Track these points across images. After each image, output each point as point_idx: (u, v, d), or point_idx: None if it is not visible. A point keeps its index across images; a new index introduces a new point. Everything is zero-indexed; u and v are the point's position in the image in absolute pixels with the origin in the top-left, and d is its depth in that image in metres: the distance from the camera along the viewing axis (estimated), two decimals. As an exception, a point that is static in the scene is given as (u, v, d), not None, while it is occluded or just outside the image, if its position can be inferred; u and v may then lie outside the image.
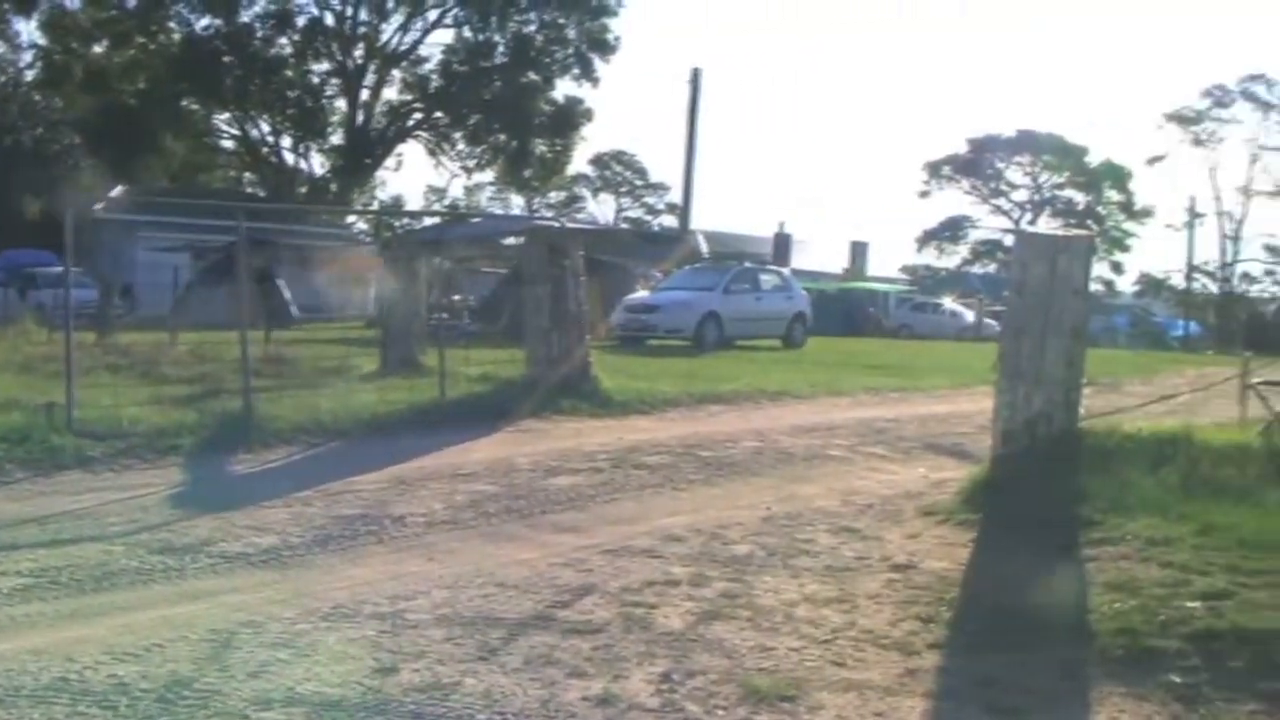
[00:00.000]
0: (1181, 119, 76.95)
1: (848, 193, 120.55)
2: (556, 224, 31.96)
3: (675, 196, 60.03)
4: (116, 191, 44.44)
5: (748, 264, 32.57)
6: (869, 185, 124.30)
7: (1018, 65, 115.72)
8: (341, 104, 57.02)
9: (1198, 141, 76.83)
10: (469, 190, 74.28)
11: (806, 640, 5.49)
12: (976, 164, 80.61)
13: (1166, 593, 5.87)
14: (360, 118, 56.60)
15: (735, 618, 5.79)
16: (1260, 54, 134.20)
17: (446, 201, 71.73)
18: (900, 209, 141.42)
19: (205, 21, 52.01)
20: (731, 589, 6.28)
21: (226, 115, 55.62)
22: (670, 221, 69.98)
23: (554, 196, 78.07)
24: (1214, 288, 76.30)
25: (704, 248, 41.76)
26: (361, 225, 57.15)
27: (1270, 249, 74.74)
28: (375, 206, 62.13)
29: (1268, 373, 10.49)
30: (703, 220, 54.73)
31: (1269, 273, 74.84)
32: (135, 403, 11.65)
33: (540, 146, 58.38)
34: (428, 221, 57.18)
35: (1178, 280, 76.41)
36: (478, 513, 8.19)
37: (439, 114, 57.92)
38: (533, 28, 56.17)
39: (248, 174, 60.43)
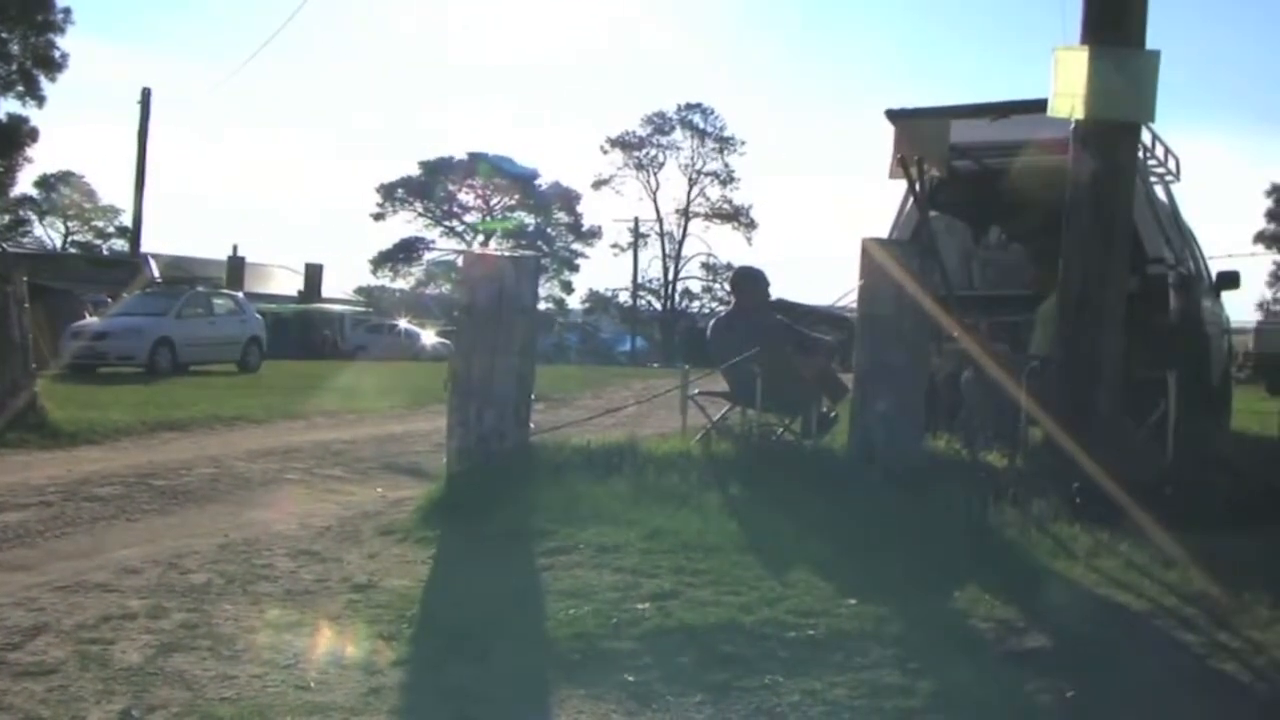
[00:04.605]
0: (625, 144, 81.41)
1: (302, 216, 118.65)
2: (-2, 249, 29.76)
3: (127, 220, 57.33)
4: None
5: (200, 288, 31.62)
6: (323, 208, 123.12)
7: (467, 88, 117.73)
8: None
9: (640, 165, 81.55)
10: (-96, 214, 67.67)
11: (269, 666, 5.33)
12: (429, 186, 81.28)
13: (619, 596, 6.09)
14: None
15: (196, 648, 5.54)
16: (696, 84, 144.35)
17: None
18: (355, 231, 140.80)
19: None
20: (191, 619, 6.00)
21: None
22: (121, 246, 66.75)
23: (-3, 220, 72.51)
24: (658, 304, 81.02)
25: (155, 272, 40.32)
26: None
27: (707, 266, 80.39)
28: None
29: (705, 383, 10.92)
30: (155, 244, 52.79)
31: (707, 289, 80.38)
32: None
33: (-19, 167, 54.22)
34: None
35: (625, 298, 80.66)
36: (-83, 556, 7.48)
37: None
38: (-27, 41, 52.02)
39: None
